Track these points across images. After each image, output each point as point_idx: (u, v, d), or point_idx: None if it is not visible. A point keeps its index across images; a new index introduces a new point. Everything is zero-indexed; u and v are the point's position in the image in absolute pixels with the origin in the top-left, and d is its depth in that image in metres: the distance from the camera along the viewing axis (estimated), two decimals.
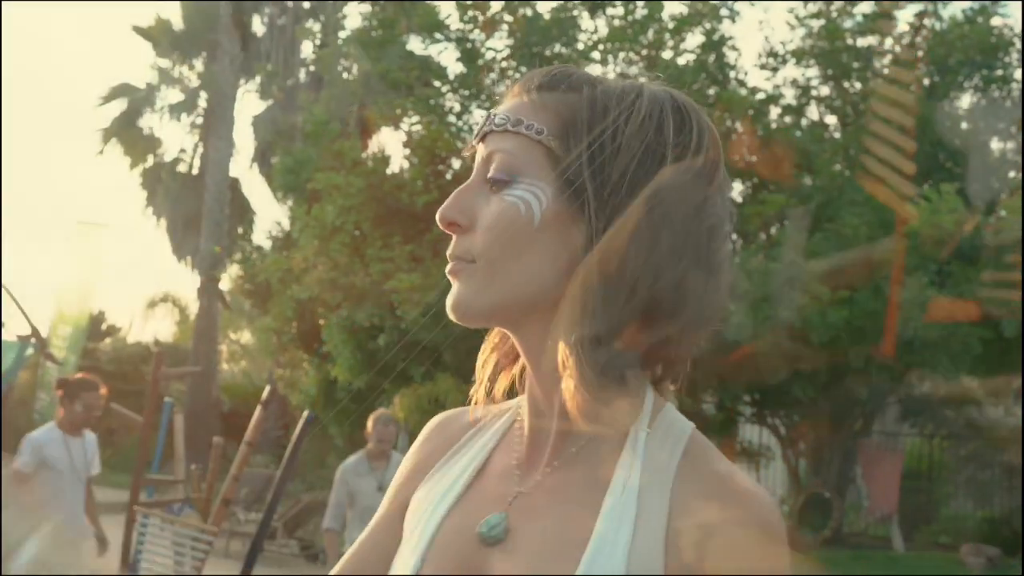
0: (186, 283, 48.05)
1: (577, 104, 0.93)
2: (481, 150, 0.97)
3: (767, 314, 10.80)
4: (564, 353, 0.89)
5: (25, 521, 5.78)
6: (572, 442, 0.94)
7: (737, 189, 14.20)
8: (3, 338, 7.33)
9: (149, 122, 23.02)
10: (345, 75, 15.81)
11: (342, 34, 16.12)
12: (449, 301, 0.95)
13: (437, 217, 0.96)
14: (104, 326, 25.29)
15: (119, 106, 22.59)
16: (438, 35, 14.42)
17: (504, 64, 13.86)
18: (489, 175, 0.94)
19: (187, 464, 6.59)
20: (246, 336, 31.10)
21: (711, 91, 13.67)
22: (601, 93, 0.93)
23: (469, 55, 13.84)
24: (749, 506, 0.87)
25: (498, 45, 14.01)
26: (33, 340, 7.25)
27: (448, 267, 0.96)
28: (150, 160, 23.21)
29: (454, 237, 0.96)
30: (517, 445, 1.00)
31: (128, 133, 22.66)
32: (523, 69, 13.61)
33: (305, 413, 5.91)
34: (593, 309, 0.88)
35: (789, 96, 14.50)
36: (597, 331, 0.88)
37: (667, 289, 0.89)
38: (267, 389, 5.77)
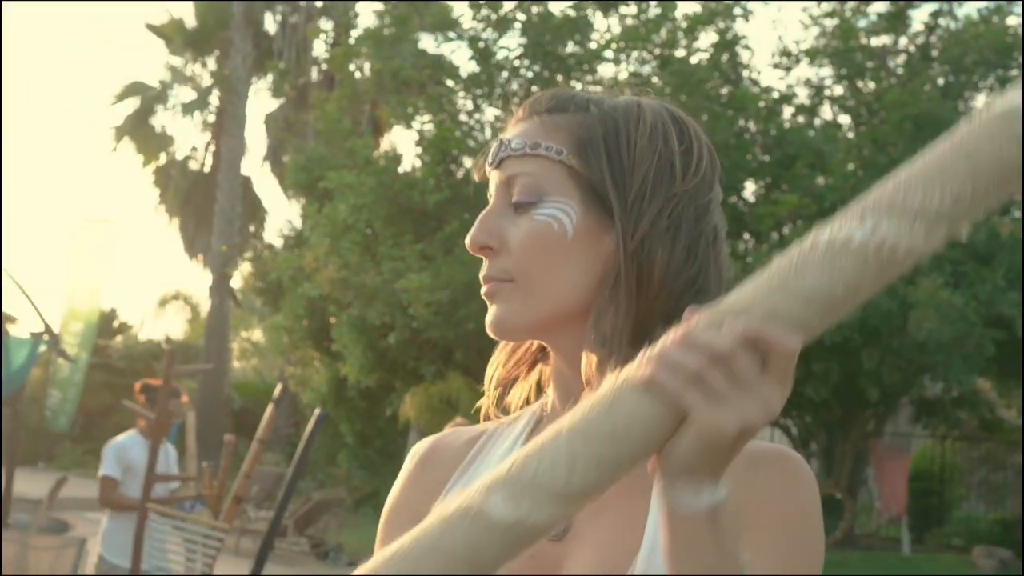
0: (198, 281, 48.16)
1: (589, 123, 0.98)
2: (496, 175, 1.00)
3: None
4: (603, 353, 0.94)
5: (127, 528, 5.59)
6: None
7: (750, 189, 14.17)
8: (15, 335, 7.35)
9: (162, 120, 23.14)
10: (357, 74, 15.82)
11: (354, 33, 16.12)
12: (490, 320, 0.99)
13: (467, 243, 0.99)
14: (115, 323, 25.38)
15: (132, 104, 22.69)
16: (451, 34, 14.42)
17: (517, 63, 13.85)
18: (514, 199, 0.98)
19: (199, 461, 6.60)
20: (257, 334, 31.17)
21: (724, 90, 13.63)
22: (609, 110, 0.99)
23: (482, 54, 13.83)
24: (784, 458, 0.96)
25: (511, 44, 14.01)
26: (46, 337, 7.27)
27: (484, 289, 0.99)
28: (162, 158, 23.31)
29: (486, 260, 0.99)
30: None
31: (141, 131, 22.75)
32: (535, 68, 13.59)
33: (316, 411, 5.91)
34: (626, 310, 0.94)
35: (802, 95, 14.47)
36: (632, 329, 0.93)
37: (687, 286, 0.95)
38: (278, 387, 5.77)
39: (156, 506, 5.01)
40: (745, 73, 14.10)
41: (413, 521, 0.99)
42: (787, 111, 14.23)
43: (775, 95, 13.88)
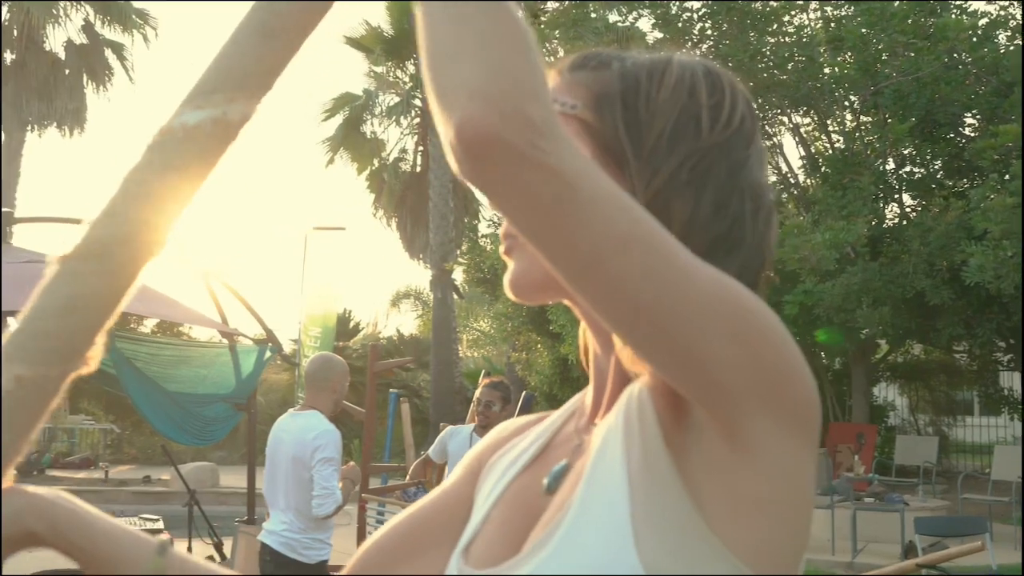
0: (424, 277, 49.73)
1: (607, 78, 0.97)
2: None
3: (1010, 253, 10.09)
4: None
5: None
6: (627, 391, 0.93)
7: (967, 123, 13.34)
8: (244, 343, 7.90)
9: (370, 127, 24.04)
10: (550, 59, 15.94)
11: (544, 18, 16.25)
12: (506, 281, 0.98)
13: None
14: (351, 324, 26.60)
15: (341, 116, 23.70)
16: (634, 2, 14.27)
17: (702, 25, 13.57)
18: None
19: (417, 450, 6.88)
20: (484, 323, 31.96)
21: (929, 22, 12.87)
22: (631, 65, 0.97)
23: (664, 19, 13.63)
24: None
25: (694, 5, 13.74)
26: (270, 344, 7.77)
27: (502, 248, 0.99)
28: (375, 163, 24.23)
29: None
30: (581, 415, 1.02)
31: (352, 140, 23.73)
32: (723, 27, 13.27)
33: (523, 393, 6.03)
34: None
35: (1019, 15, 13.45)
36: None
37: (716, 242, 0.90)
38: (482, 374, 5.93)
39: (372, 495, 5.26)
40: (950, 1, 13.25)
41: (479, 461, 1.10)
42: (1002, 36, 13.27)
43: (985, 20, 12.96)
